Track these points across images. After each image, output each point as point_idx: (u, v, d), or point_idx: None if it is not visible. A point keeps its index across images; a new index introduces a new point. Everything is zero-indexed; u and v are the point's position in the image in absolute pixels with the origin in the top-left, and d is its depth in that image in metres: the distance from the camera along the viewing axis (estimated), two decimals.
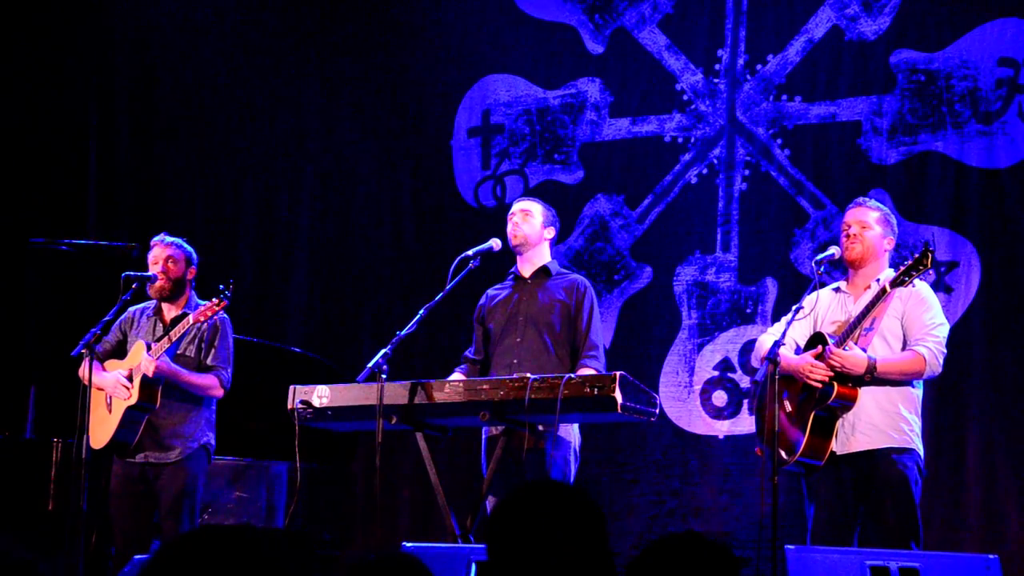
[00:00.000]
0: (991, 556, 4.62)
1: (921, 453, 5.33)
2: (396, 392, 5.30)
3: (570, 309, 5.82)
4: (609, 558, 2.54)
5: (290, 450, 5.43)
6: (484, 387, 5.29)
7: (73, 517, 5.58)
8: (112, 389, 5.80)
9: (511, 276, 6.02)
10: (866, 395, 5.26)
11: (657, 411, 5.35)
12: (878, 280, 5.40)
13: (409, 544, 5.07)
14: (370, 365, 5.22)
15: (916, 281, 5.27)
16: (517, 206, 5.98)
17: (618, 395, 5.02)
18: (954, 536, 6.69)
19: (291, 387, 5.55)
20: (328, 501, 7.76)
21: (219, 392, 5.93)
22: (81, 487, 5.56)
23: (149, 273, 5.94)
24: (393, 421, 5.30)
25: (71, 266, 7.56)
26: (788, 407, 5.33)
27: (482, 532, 5.17)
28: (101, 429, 5.81)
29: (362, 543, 7.70)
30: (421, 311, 5.46)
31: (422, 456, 5.50)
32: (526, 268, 5.95)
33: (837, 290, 5.57)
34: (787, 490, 6.53)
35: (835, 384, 5.20)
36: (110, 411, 5.84)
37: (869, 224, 5.43)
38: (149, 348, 5.73)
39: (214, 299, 5.70)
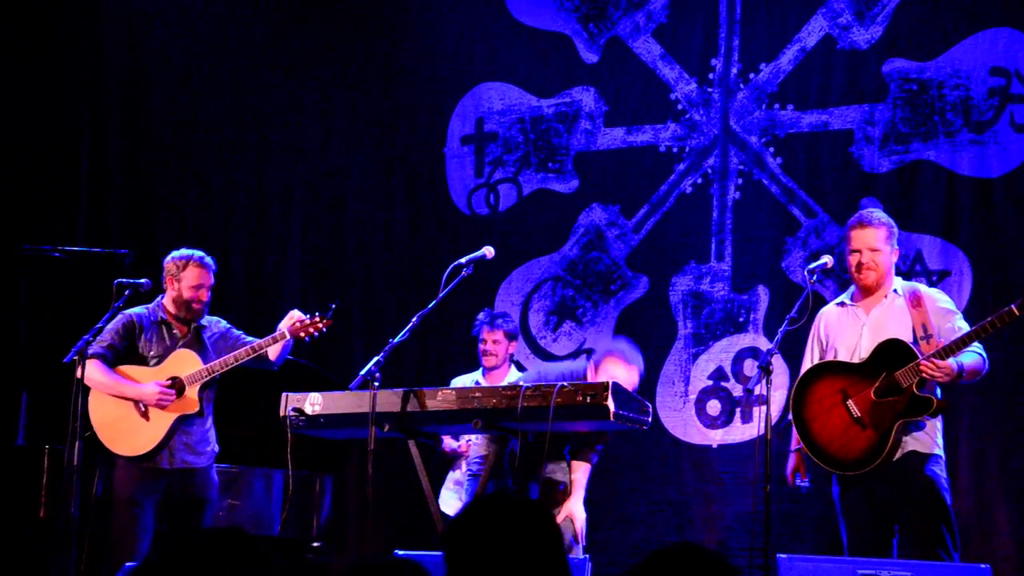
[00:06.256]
0: (983, 566, 4.61)
1: (944, 459, 5.29)
2: (389, 400, 5.29)
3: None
4: (565, 570, 2.53)
5: (282, 458, 5.42)
6: (476, 395, 5.28)
7: (64, 524, 5.56)
8: (153, 401, 5.83)
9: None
10: None
11: (650, 419, 5.34)
12: (895, 291, 5.36)
13: (401, 552, 5.06)
14: (363, 372, 5.21)
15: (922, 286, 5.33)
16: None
17: (610, 403, 5.01)
18: None
19: (283, 394, 5.54)
20: (320, 509, 7.73)
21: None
22: (72, 494, 5.54)
23: (141, 280, 5.93)
24: (386, 429, 5.29)
25: (63, 273, 7.54)
26: (855, 412, 5.21)
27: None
28: (137, 437, 5.82)
29: (354, 551, 7.68)
30: (414, 319, 5.45)
31: (414, 464, 5.50)
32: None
33: (842, 304, 5.50)
34: (779, 498, 6.53)
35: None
36: (147, 419, 5.85)
37: (878, 247, 5.34)
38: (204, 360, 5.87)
39: (319, 316, 5.79)
